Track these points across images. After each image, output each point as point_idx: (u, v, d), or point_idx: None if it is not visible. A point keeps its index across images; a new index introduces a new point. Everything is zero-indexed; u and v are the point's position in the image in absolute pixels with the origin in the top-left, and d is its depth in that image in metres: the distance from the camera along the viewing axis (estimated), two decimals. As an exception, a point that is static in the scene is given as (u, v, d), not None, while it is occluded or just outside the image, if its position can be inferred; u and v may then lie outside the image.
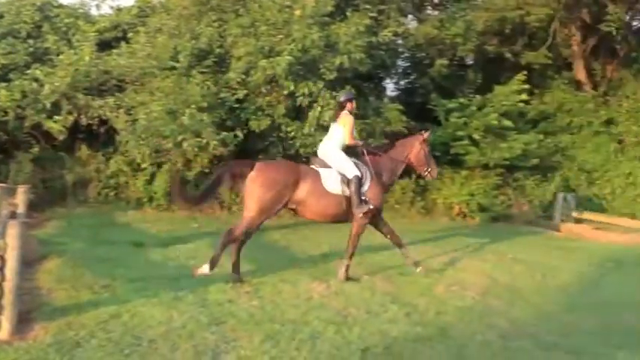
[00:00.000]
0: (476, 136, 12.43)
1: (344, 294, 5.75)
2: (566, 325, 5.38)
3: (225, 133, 10.27)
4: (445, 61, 13.43)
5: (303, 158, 11.79)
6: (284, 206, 6.61)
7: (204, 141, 10.01)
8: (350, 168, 6.76)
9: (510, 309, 5.76)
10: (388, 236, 7.17)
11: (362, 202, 6.68)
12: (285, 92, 10.48)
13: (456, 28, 13.22)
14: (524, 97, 13.46)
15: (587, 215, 12.75)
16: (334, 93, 10.52)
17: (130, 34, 12.10)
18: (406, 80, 15.62)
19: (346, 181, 6.71)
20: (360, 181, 6.74)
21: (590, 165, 14.57)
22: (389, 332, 4.74)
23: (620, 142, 15.31)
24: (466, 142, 12.48)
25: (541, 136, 13.79)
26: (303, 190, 6.55)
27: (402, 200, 12.94)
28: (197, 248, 7.62)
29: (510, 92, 13.22)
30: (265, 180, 6.48)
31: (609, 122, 15.53)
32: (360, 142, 7.24)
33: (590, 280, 7.43)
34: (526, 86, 13.51)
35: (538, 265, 7.90)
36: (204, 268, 6.14)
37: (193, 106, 9.93)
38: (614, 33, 15.01)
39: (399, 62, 14.88)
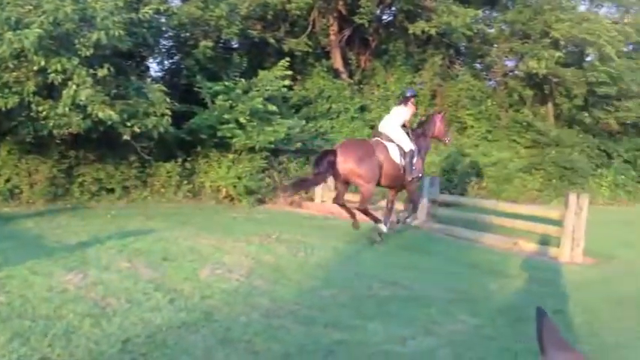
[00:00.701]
0: (242, 120, 12.53)
1: (103, 284, 5.40)
2: (324, 299, 5.64)
3: (-38, 112, 9.12)
4: (210, 43, 13.33)
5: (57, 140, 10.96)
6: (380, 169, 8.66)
7: None
8: (407, 142, 8.97)
9: (274, 288, 5.88)
10: (413, 199, 9.64)
11: (413, 170, 8.97)
12: (36, 68, 9.55)
13: (219, 10, 13.14)
14: (287, 82, 13.87)
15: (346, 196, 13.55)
16: (91, 71, 9.85)
17: None
18: (171, 61, 15.26)
19: (403, 154, 8.88)
20: (413, 153, 8.99)
21: (347, 148, 15.51)
22: (152, 321, 4.54)
23: (372, 127, 16.54)
24: (232, 125, 12.53)
25: (303, 121, 14.37)
26: (380, 157, 8.63)
27: (167, 184, 12.66)
28: None
29: (274, 77, 13.53)
30: (355, 157, 8.45)
31: (363, 109, 16.70)
32: (408, 125, 9.36)
33: (347, 256, 7.90)
34: (289, 72, 13.92)
35: (300, 244, 8.19)
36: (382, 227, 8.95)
37: None
38: (367, 25, 16.14)
39: (163, 42, 14.46)
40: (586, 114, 17.41)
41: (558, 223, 9.04)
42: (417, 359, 4.47)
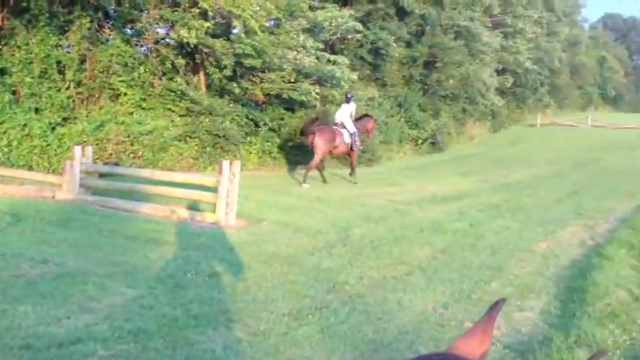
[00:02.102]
0: None
1: None
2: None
3: None
4: None
5: None
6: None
7: None
8: (352, 127, 14.89)
9: None
10: (353, 164, 15.31)
11: (356, 145, 14.94)
12: None
13: None
14: None
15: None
16: None
17: None
18: None
19: (349, 135, 14.70)
20: (355, 134, 14.88)
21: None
22: None
23: (14, 92, 14.99)
24: None
25: None
26: (337, 141, 14.35)
27: None
28: None
29: None
30: (326, 139, 14.09)
31: (3, 72, 14.99)
32: (353, 118, 15.21)
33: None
34: None
35: None
36: (305, 186, 13.63)
37: None
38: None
39: None
40: (235, 84, 18.26)
41: (213, 189, 9.38)
42: (73, 338, 4.22)
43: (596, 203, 12.81)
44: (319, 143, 14.03)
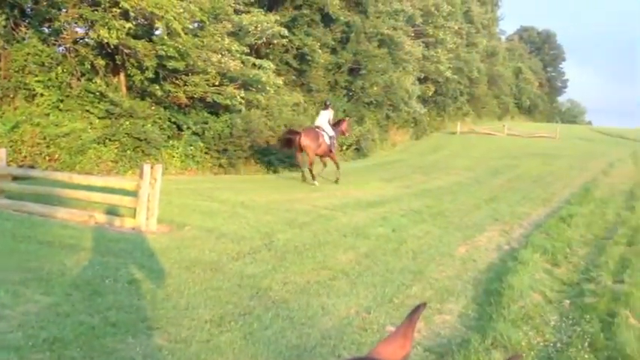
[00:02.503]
0: None
1: None
2: None
3: None
4: None
5: None
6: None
7: None
8: (331, 131, 16.46)
9: None
10: (328, 163, 17.04)
11: (334, 146, 16.64)
12: None
13: None
14: None
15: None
16: None
17: None
18: None
19: (328, 137, 16.20)
20: (334, 137, 16.56)
21: None
22: None
23: None
24: None
25: None
26: (320, 140, 15.87)
27: None
28: None
29: None
30: (311, 138, 15.65)
31: None
32: (331, 123, 16.74)
33: None
34: None
35: None
36: (315, 182, 15.73)
37: None
38: None
39: None
40: (157, 87, 17.87)
41: (134, 193, 9.15)
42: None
43: (511, 209, 13.28)
44: (306, 142, 15.51)
